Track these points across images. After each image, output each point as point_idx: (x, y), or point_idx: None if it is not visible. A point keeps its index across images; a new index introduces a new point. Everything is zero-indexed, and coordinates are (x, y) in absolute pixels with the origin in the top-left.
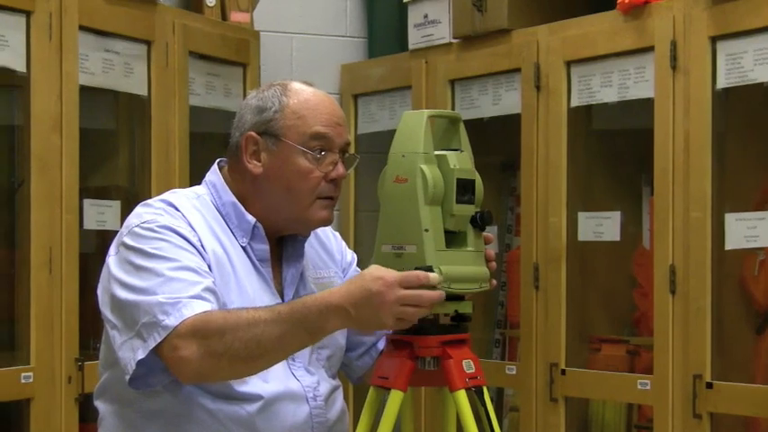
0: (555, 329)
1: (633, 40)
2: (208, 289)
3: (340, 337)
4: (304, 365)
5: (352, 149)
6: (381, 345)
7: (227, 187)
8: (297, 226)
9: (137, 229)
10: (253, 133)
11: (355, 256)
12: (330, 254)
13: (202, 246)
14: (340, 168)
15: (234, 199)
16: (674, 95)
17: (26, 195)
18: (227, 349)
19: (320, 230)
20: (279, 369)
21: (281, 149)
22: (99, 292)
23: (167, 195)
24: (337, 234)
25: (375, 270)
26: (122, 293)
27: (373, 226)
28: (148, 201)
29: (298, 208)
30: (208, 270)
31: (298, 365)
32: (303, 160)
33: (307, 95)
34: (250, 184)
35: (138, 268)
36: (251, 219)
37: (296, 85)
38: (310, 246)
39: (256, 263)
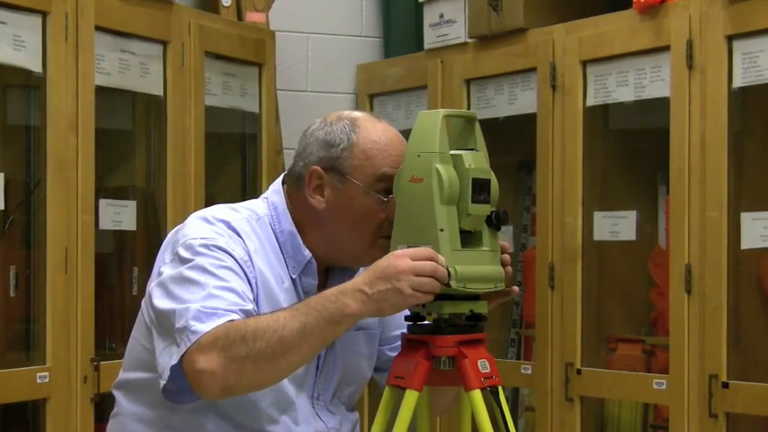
0: (570, 329)
1: (649, 40)
2: (245, 311)
3: (367, 368)
4: (326, 405)
5: None
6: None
7: (288, 214)
8: (351, 261)
9: (193, 242)
10: (318, 168)
11: None
12: None
13: (255, 277)
14: None
15: (293, 229)
16: (690, 95)
17: (42, 195)
18: (250, 352)
19: None
20: (306, 410)
21: (347, 188)
22: (146, 295)
23: (228, 214)
24: None
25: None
26: (165, 302)
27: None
28: (208, 215)
29: (359, 246)
30: (252, 299)
31: (321, 405)
32: (369, 201)
33: (377, 135)
34: (311, 217)
35: (186, 280)
36: (307, 254)
37: (364, 121)
38: (355, 272)
39: (302, 296)
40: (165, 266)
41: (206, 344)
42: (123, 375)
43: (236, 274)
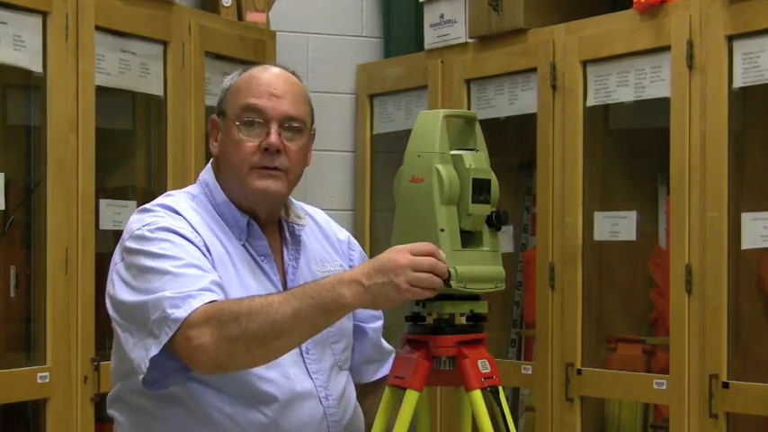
0: (571, 329)
1: (650, 40)
2: (214, 282)
3: (347, 322)
4: (318, 359)
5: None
6: (367, 348)
7: (218, 186)
8: (249, 202)
9: (138, 233)
10: (214, 116)
11: (350, 235)
12: (333, 244)
13: (206, 246)
14: (271, 137)
15: (226, 198)
16: (690, 95)
17: (43, 196)
18: (242, 332)
19: (323, 222)
20: (296, 366)
21: (225, 125)
22: (108, 300)
23: (164, 199)
24: (330, 220)
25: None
26: (131, 296)
27: (389, 226)
28: (146, 206)
29: (239, 181)
30: (212, 267)
31: (312, 359)
32: (236, 132)
33: (254, 72)
34: (218, 168)
35: (144, 270)
36: (244, 217)
37: (255, 67)
38: (316, 239)
39: (258, 259)
40: (118, 266)
41: (198, 321)
42: (110, 393)
43: (187, 248)
